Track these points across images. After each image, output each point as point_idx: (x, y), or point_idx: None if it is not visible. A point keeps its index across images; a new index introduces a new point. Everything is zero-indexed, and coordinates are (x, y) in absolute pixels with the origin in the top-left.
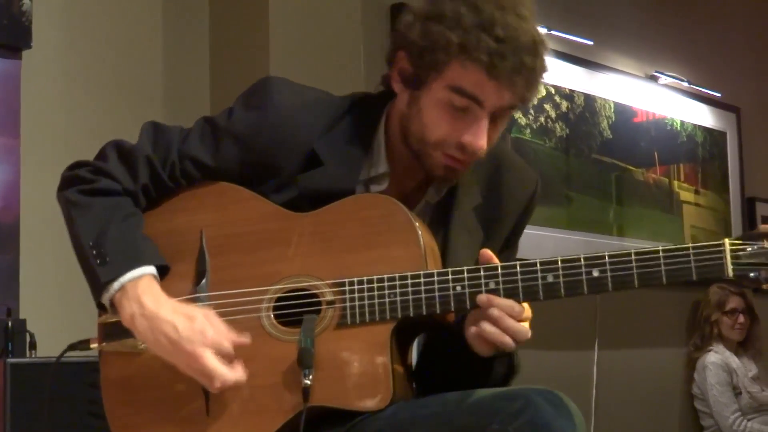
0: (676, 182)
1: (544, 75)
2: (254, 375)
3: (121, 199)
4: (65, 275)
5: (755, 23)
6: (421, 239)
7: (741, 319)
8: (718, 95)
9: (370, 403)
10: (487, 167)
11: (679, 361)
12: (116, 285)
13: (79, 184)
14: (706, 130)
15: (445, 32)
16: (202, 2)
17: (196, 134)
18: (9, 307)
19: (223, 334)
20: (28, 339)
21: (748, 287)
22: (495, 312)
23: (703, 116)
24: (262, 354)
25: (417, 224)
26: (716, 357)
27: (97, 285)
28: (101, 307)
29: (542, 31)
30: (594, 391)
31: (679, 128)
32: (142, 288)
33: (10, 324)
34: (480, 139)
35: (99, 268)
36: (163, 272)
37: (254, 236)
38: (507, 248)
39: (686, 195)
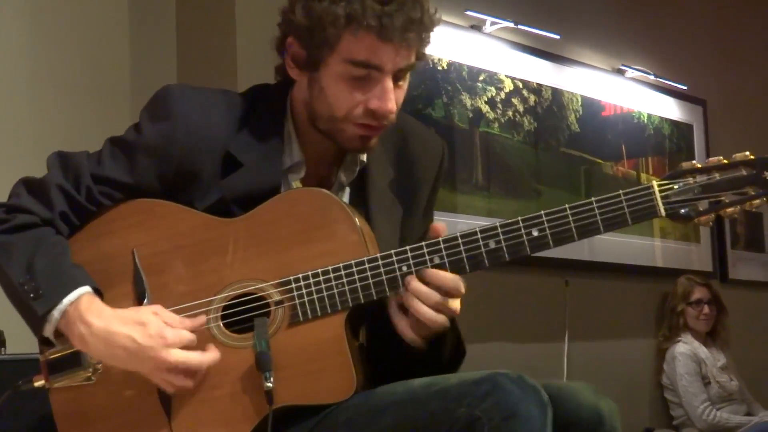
0: (644, 175)
1: (435, 26)
2: (214, 386)
3: (40, 230)
4: None
5: (720, 16)
6: (358, 225)
7: (706, 309)
8: (685, 88)
9: (335, 396)
10: (393, 140)
11: (648, 351)
12: (56, 314)
13: None
14: (673, 123)
15: (328, 7)
16: (169, 1)
17: (107, 155)
18: None
19: (180, 326)
20: None
21: (681, 223)
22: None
23: (670, 109)
24: (219, 365)
25: (351, 212)
26: (685, 347)
27: (37, 320)
28: (46, 343)
29: (509, 25)
30: (564, 381)
31: (646, 121)
32: (83, 307)
33: None
34: (388, 102)
35: (34, 303)
36: (98, 296)
37: (189, 249)
38: (426, 214)
39: None
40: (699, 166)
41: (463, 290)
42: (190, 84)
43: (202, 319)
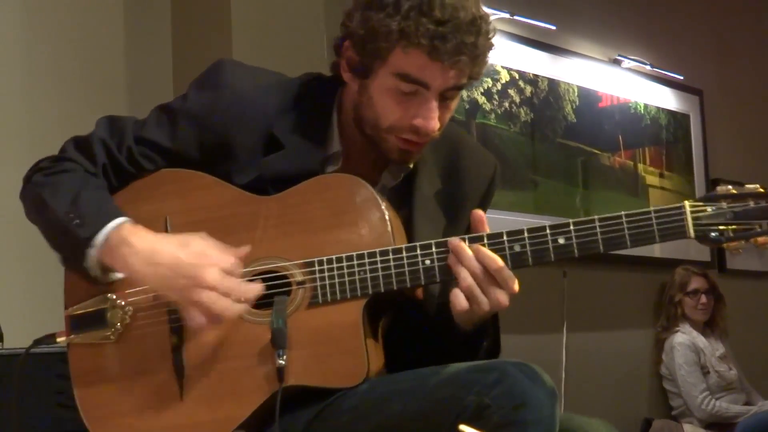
0: (641, 165)
1: (491, 49)
2: (228, 358)
3: (86, 174)
4: (32, 267)
5: (716, 6)
6: (387, 215)
7: (703, 299)
8: (681, 78)
9: (345, 380)
10: (445, 152)
11: (647, 342)
12: (100, 237)
13: (42, 172)
14: (670, 113)
15: (384, 20)
16: None
17: (152, 120)
18: None
19: (223, 251)
20: None
21: (709, 246)
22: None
23: (667, 99)
24: (235, 337)
25: (382, 202)
26: (683, 337)
27: (79, 246)
28: (86, 277)
29: (505, 16)
30: (563, 373)
31: (642, 111)
32: (126, 232)
33: None
34: (431, 121)
35: (79, 229)
36: None
37: (220, 222)
38: (471, 233)
39: (651, 178)
40: (734, 191)
41: (512, 285)
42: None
43: (246, 249)
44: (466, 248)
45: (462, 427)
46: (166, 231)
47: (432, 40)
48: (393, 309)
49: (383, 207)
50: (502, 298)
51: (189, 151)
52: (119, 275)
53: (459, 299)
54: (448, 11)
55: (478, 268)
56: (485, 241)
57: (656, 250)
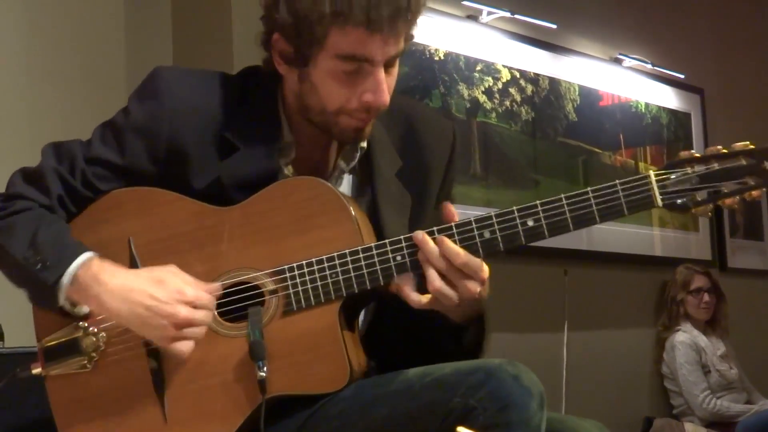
0: (642, 164)
1: (424, 5)
2: (209, 375)
3: (40, 211)
4: None
5: (717, 4)
6: (354, 214)
7: (706, 298)
8: (682, 77)
9: (329, 385)
10: (400, 128)
11: (648, 341)
12: (65, 279)
13: None
14: (671, 112)
15: (313, 4)
16: None
17: (97, 138)
18: None
19: (198, 288)
20: None
21: (679, 213)
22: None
23: (668, 98)
24: (213, 352)
25: (346, 201)
26: (685, 336)
27: (47, 290)
28: (63, 313)
29: (506, 15)
30: (564, 372)
31: (644, 110)
32: (95, 269)
33: None
34: (382, 94)
35: (42, 273)
36: None
37: (184, 237)
38: (441, 204)
39: None
40: (697, 155)
41: (481, 275)
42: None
43: (217, 285)
44: (430, 242)
45: (460, 429)
46: (130, 252)
47: (368, 12)
48: (369, 304)
49: (349, 207)
50: (473, 287)
51: (141, 164)
52: (87, 310)
53: (423, 296)
54: None
55: (443, 263)
56: (454, 230)
57: (657, 249)
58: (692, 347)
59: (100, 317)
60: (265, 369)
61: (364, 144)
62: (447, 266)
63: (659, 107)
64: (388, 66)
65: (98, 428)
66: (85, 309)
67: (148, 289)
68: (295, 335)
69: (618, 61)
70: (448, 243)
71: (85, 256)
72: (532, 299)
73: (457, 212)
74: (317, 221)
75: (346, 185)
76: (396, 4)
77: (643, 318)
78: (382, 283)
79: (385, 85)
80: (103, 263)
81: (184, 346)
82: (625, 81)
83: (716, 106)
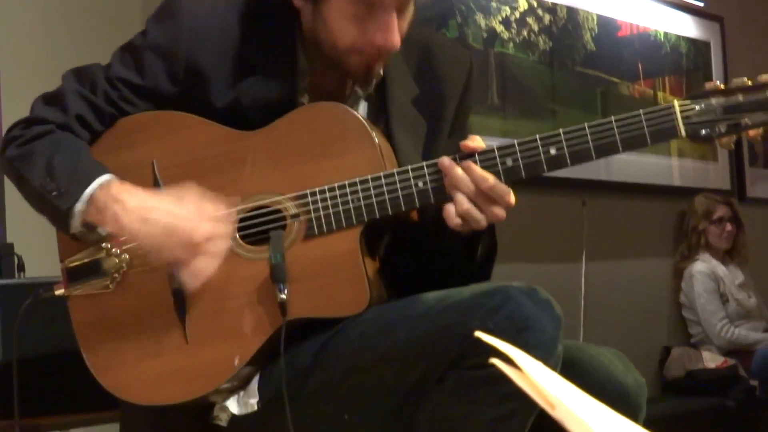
0: (660, 94)
1: None
2: (230, 296)
3: (58, 134)
4: None
5: None
6: (376, 141)
7: (728, 227)
8: (701, 5)
9: (349, 308)
10: (416, 56)
11: (666, 270)
12: (79, 206)
13: (14, 142)
14: (690, 41)
15: None
16: None
17: (117, 60)
18: None
19: (218, 204)
20: (16, 261)
21: (701, 143)
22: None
23: (687, 27)
24: (234, 276)
25: (370, 127)
26: (703, 266)
27: (63, 217)
28: (76, 239)
29: None
30: (582, 302)
31: (662, 39)
32: (115, 189)
33: None
34: (393, 37)
35: (57, 201)
36: None
37: (208, 161)
38: (455, 132)
39: None
40: (722, 87)
41: (508, 199)
42: None
43: (236, 199)
44: (457, 168)
45: (477, 333)
46: (154, 175)
47: None
48: (389, 232)
49: (372, 132)
50: (499, 212)
51: (162, 85)
52: (105, 232)
53: (452, 217)
54: None
55: (471, 188)
56: (476, 157)
57: (675, 178)
58: (710, 276)
59: (122, 239)
60: (285, 292)
61: (381, 71)
62: (475, 191)
63: (678, 36)
64: (400, 10)
65: (119, 348)
66: (103, 232)
67: (167, 207)
68: (316, 259)
69: None
70: (476, 167)
71: (104, 177)
72: (551, 230)
73: (475, 142)
74: (341, 146)
75: (361, 111)
76: None
77: (662, 248)
78: (403, 209)
79: (396, 28)
80: (123, 184)
81: (205, 264)
82: (643, 10)
83: (736, 35)
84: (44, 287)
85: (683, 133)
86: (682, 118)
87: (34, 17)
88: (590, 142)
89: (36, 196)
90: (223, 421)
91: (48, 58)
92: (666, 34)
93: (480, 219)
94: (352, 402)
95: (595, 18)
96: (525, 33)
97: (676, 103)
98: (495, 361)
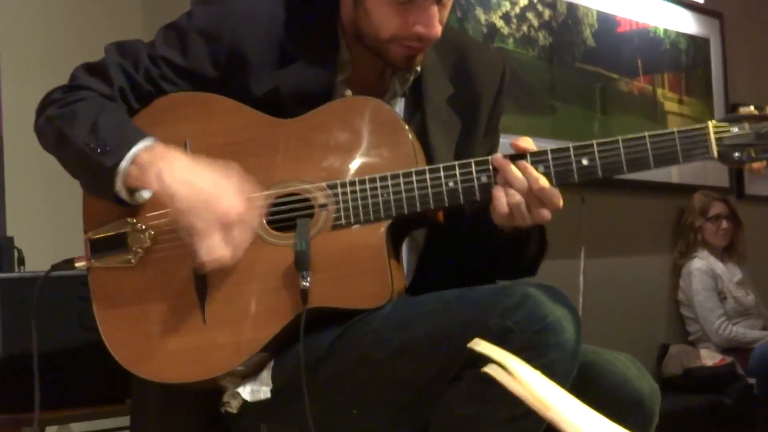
0: (660, 91)
1: None
2: (251, 281)
3: (102, 100)
4: (51, 191)
5: None
6: (410, 137)
7: (724, 224)
8: (701, 1)
9: (369, 301)
10: (451, 56)
11: (664, 267)
12: (125, 163)
13: (56, 104)
14: (690, 38)
15: None
16: None
17: (161, 40)
18: None
19: (255, 188)
20: (16, 255)
21: (732, 166)
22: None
23: (686, 23)
24: (258, 260)
25: (404, 124)
26: (701, 263)
27: (105, 175)
28: (119, 201)
29: None
30: (581, 299)
31: (662, 36)
32: (161, 150)
33: None
34: (434, 27)
35: (102, 157)
36: None
37: (241, 145)
38: (489, 133)
39: (670, 104)
40: (757, 112)
41: (555, 199)
42: None
43: (266, 186)
44: (511, 166)
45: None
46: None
47: None
48: (416, 229)
49: (406, 129)
50: (546, 214)
51: (203, 68)
52: (145, 196)
53: (502, 206)
54: None
55: (525, 185)
56: (528, 158)
57: (674, 176)
58: (708, 274)
59: (150, 214)
60: (308, 279)
61: (419, 68)
62: (528, 189)
63: (678, 32)
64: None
65: (136, 323)
66: (145, 194)
67: (211, 177)
68: (341, 249)
69: None
70: (530, 168)
71: (150, 139)
72: (550, 226)
73: (523, 142)
74: (374, 141)
75: (397, 108)
76: None
77: (660, 245)
78: (432, 207)
79: (437, 17)
80: (169, 148)
81: (222, 246)
82: (643, 6)
83: (736, 32)
84: (64, 260)
85: (716, 154)
86: (716, 139)
87: (34, 11)
88: (623, 156)
89: (78, 155)
90: (233, 408)
91: (48, 51)
92: (666, 30)
93: (527, 216)
94: (364, 395)
95: (594, 14)
96: (525, 28)
97: (710, 124)
98: (487, 368)
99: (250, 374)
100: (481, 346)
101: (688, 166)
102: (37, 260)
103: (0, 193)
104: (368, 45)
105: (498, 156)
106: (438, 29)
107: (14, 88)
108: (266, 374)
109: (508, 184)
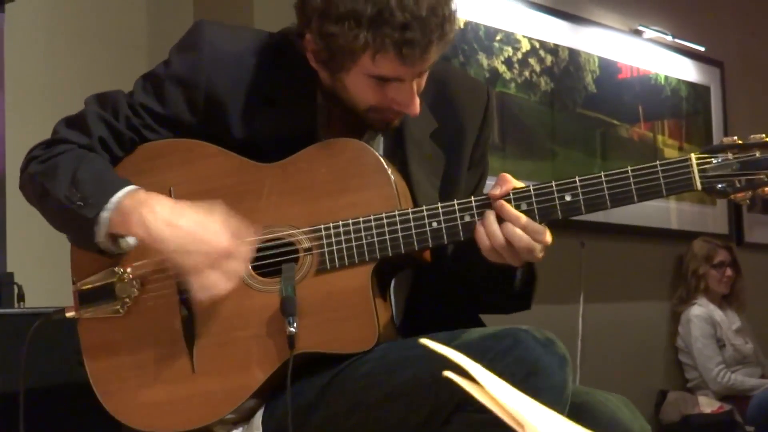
0: (660, 137)
1: (456, 23)
2: (239, 327)
3: (80, 151)
4: (52, 228)
5: None
6: (393, 179)
7: (728, 272)
8: (702, 49)
9: (357, 345)
10: (433, 89)
11: (663, 314)
12: (105, 213)
13: (37, 160)
14: (690, 85)
15: (344, 35)
16: None
17: (139, 89)
18: None
19: (242, 222)
20: (16, 291)
21: (716, 197)
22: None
23: (687, 71)
24: (244, 306)
25: (387, 165)
26: (700, 310)
27: (88, 227)
28: (104, 253)
29: None
30: (579, 344)
31: (663, 83)
32: (143, 196)
33: None
34: (412, 104)
35: (83, 210)
36: None
37: (224, 190)
38: (474, 166)
39: (671, 151)
40: (740, 142)
41: (541, 236)
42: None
43: (251, 230)
44: (506, 204)
45: (447, 373)
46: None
47: (400, 48)
48: (401, 271)
49: (389, 171)
50: (535, 252)
51: (182, 115)
52: (131, 242)
53: (486, 248)
54: (408, 9)
55: (507, 228)
56: (511, 196)
57: (674, 222)
58: (707, 321)
59: (136, 264)
60: (295, 325)
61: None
62: (509, 230)
63: (679, 80)
64: (421, 73)
65: (125, 373)
66: (131, 241)
67: (195, 216)
68: (327, 294)
69: (638, 33)
70: (509, 207)
71: (131, 186)
72: (549, 270)
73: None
74: (357, 183)
75: (378, 145)
76: (429, 38)
77: (659, 291)
78: (416, 248)
79: (416, 97)
80: (150, 193)
81: (218, 279)
82: (644, 53)
83: (736, 80)
84: (55, 310)
85: (699, 186)
86: (699, 171)
87: (39, 47)
88: (606, 191)
89: (60, 209)
90: None
91: (52, 89)
92: (667, 77)
93: (515, 255)
94: None
95: (596, 60)
96: (527, 73)
97: (693, 155)
98: (447, 373)
99: (241, 420)
100: (456, 378)
101: (688, 213)
102: (37, 296)
103: (1, 229)
104: (345, 105)
105: (481, 197)
106: (416, 107)
107: (18, 125)
108: (257, 420)
109: (489, 226)
